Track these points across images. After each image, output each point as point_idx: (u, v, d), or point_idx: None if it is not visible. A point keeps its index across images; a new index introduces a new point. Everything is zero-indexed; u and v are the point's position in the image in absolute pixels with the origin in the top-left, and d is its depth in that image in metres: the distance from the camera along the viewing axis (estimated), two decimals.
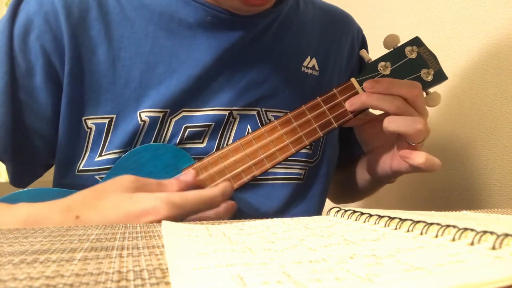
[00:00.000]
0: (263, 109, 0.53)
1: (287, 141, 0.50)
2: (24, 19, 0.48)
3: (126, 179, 0.41)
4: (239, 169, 0.49)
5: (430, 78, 0.54)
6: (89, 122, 0.49)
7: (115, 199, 0.39)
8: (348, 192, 0.69)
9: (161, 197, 0.39)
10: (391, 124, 0.48)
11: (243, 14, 0.51)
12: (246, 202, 0.52)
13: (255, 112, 0.53)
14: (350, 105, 0.51)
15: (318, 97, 0.52)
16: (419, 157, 0.48)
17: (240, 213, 0.48)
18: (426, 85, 0.55)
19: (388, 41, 0.55)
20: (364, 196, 0.69)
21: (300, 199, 0.56)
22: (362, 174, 0.63)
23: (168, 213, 0.37)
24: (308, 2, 0.62)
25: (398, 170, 0.52)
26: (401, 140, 0.50)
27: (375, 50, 0.68)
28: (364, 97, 0.50)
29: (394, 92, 0.48)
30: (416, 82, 0.50)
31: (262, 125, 0.53)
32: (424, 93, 0.55)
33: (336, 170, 0.71)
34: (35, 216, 0.40)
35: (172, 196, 0.39)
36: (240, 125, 0.52)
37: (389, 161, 0.53)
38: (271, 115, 0.54)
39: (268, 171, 0.51)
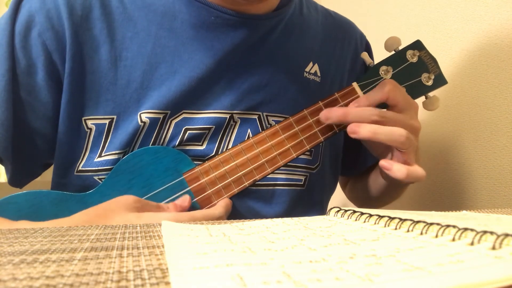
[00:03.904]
0: (264, 114, 0.53)
1: (288, 146, 0.50)
2: (25, 16, 0.47)
3: (128, 199, 0.43)
4: (240, 174, 0.49)
5: (430, 82, 0.54)
6: (89, 122, 0.48)
7: (123, 219, 0.40)
8: (370, 198, 0.67)
9: (171, 217, 0.40)
10: (376, 135, 0.46)
11: (245, 10, 0.51)
12: (247, 207, 0.51)
13: (256, 116, 0.53)
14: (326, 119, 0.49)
15: (320, 101, 0.52)
16: (399, 172, 0.46)
17: (240, 218, 0.48)
18: (426, 90, 0.55)
19: (389, 43, 0.54)
20: (388, 201, 0.67)
21: (302, 206, 0.55)
22: (378, 180, 0.61)
23: None
24: (311, 7, 0.62)
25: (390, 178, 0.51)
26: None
27: (374, 50, 0.68)
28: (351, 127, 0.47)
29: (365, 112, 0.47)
30: (388, 83, 0.48)
31: (263, 129, 0.52)
32: (424, 97, 0.55)
33: (355, 178, 0.70)
34: None
35: (181, 216, 0.41)
36: (241, 129, 0.52)
37: None
38: (272, 120, 0.53)
39: (270, 176, 0.51)
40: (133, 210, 0.42)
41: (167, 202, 0.48)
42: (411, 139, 0.46)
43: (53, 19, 0.47)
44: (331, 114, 0.48)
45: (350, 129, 0.47)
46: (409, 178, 0.46)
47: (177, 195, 0.48)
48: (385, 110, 0.48)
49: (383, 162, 0.47)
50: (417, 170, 0.47)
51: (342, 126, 0.51)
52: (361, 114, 0.47)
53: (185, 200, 0.46)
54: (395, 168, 0.46)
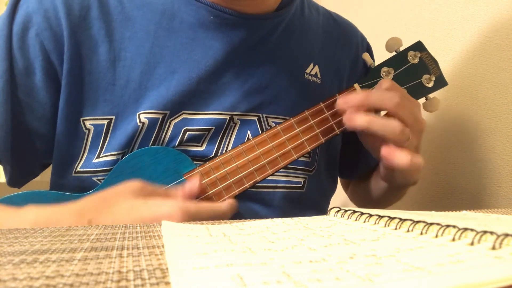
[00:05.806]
0: (264, 115, 0.53)
1: (289, 147, 0.50)
2: (23, 16, 0.47)
3: (135, 185, 0.43)
4: (241, 175, 0.49)
5: (431, 84, 0.54)
6: (87, 123, 0.48)
7: (129, 204, 0.40)
8: (372, 200, 0.67)
9: (177, 204, 0.40)
10: (371, 125, 0.45)
11: (245, 10, 0.51)
12: (248, 209, 0.51)
13: (256, 118, 0.52)
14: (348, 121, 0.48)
15: (321, 103, 0.51)
16: (402, 158, 0.44)
17: (240, 219, 0.48)
18: (427, 91, 0.55)
19: (391, 44, 0.54)
20: (389, 203, 0.67)
21: (301, 208, 0.55)
22: (380, 183, 0.61)
23: (182, 221, 0.37)
24: (313, 8, 0.61)
25: (386, 171, 0.51)
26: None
27: (374, 50, 0.68)
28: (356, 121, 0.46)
29: (370, 106, 0.47)
30: (395, 91, 0.47)
31: (262, 131, 0.52)
32: (424, 98, 0.55)
33: (358, 181, 0.70)
34: (45, 219, 0.40)
35: (188, 205, 0.40)
36: (240, 130, 0.51)
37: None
38: (272, 121, 0.53)
39: (270, 179, 0.51)
40: (140, 197, 0.41)
41: None
42: (407, 134, 0.45)
43: (50, 19, 0.47)
44: (349, 98, 0.47)
45: (347, 117, 0.46)
46: (412, 166, 0.45)
47: None
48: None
49: (385, 149, 0.46)
50: (418, 157, 0.46)
51: (343, 128, 0.50)
52: (383, 96, 0.46)
53: (194, 184, 0.45)
54: (398, 155, 0.45)
